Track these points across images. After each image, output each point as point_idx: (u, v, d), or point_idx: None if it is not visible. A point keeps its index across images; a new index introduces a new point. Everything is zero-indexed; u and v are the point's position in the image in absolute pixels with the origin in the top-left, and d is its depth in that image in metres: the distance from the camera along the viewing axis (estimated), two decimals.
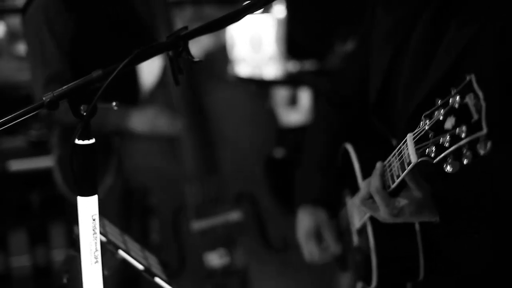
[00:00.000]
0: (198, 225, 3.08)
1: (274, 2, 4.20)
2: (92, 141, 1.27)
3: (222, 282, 3.08)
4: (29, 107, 1.29)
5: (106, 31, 2.94)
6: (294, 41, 4.50)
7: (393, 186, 1.46)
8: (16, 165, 3.71)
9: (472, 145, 1.15)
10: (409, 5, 1.70)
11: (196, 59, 1.35)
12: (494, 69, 1.49)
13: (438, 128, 1.22)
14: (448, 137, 1.19)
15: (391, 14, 1.76)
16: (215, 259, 3.07)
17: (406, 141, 1.36)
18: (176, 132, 3.00)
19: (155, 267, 1.66)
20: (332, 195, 2.04)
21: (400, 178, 1.42)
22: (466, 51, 1.52)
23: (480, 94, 1.15)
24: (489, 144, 1.14)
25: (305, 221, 2.05)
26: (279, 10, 4.51)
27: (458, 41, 1.53)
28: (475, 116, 1.14)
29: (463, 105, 1.17)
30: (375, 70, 1.79)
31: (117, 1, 3.00)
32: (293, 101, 4.50)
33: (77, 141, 1.26)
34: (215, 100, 3.11)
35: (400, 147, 1.40)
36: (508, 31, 1.48)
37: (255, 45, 4.44)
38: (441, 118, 1.21)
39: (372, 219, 1.68)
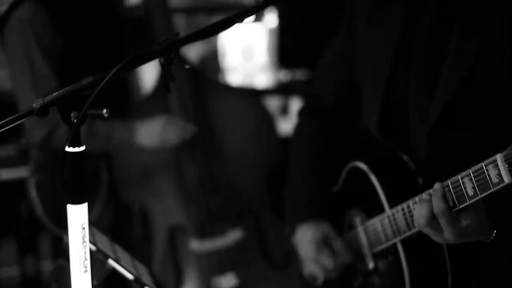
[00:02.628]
0: (200, 246, 2.99)
1: (266, 12, 4.22)
2: (82, 148, 1.26)
3: None
4: (19, 114, 1.28)
5: (97, 45, 2.77)
6: (285, 51, 4.50)
7: (461, 206, 1.45)
8: (6, 174, 3.68)
9: None
10: (398, 16, 1.70)
11: (187, 66, 1.36)
12: (507, 72, 1.50)
13: None
14: None
15: (378, 27, 1.75)
16: (224, 283, 2.99)
17: (494, 161, 1.35)
18: (188, 138, 2.82)
19: (145, 277, 1.64)
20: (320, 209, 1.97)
21: (477, 198, 1.41)
22: (477, 61, 1.53)
23: None
24: None
25: (309, 236, 1.92)
26: (271, 20, 4.51)
27: (468, 52, 1.54)
28: None
29: None
30: (373, 84, 1.77)
31: (106, 12, 2.87)
32: (284, 111, 4.49)
33: (68, 149, 1.25)
34: (215, 110, 3.02)
35: (479, 169, 1.39)
36: None
37: (246, 54, 4.44)
38: None
39: (403, 241, 1.68)
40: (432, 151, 1.65)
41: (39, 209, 2.85)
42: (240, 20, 1.38)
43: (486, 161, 1.37)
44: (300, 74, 4.38)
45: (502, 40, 1.52)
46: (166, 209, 3.01)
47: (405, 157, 1.72)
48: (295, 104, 4.44)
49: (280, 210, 3.03)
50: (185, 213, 2.98)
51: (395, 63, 1.71)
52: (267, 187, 3.06)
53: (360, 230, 1.85)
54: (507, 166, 1.33)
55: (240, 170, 3.02)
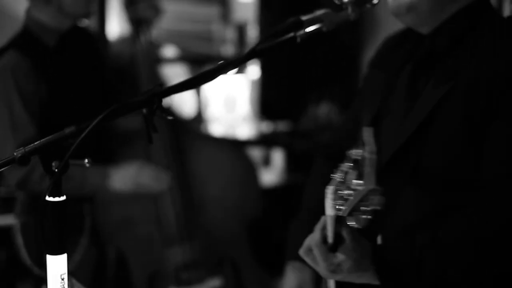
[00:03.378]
0: None
1: (248, 64, 4.26)
2: (63, 198, 1.25)
3: None
4: None
5: (81, 93, 2.77)
6: (267, 102, 4.54)
7: (330, 241, 1.43)
8: None
9: (368, 199, 1.18)
10: (392, 63, 1.74)
11: (170, 117, 1.36)
12: (462, 126, 1.50)
13: (346, 181, 1.23)
14: (350, 191, 1.20)
15: (381, 71, 1.79)
16: None
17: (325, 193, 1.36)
18: (163, 189, 2.85)
19: None
20: None
21: (330, 233, 1.40)
22: (436, 109, 1.54)
23: (372, 147, 1.16)
24: (379, 199, 1.14)
25: (290, 279, 1.93)
26: (253, 71, 4.56)
27: (429, 100, 1.55)
28: (368, 170, 1.15)
29: (362, 158, 1.19)
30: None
31: (91, 61, 2.88)
32: (266, 162, 4.50)
33: (48, 198, 1.24)
34: (195, 160, 3.05)
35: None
36: (477, 88, 1.51)
37: (229, 105, 4.47)
38: (347, 171, 1.22)
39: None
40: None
41: (23, 252, 2.82)
42: (224, 72, 1.39)
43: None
44: (282, 126, 4.41)
45: (462, 97, 1.52)
46: (145, 256, 2.99)
47: None
48: (277, 156, 4.46)
49: (261, 259, 3.04)
50: (163, 260, 2.97)
51: (380, 111, 1.73)
52: (248, 236, 3.07)
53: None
54: (332, 199, 1.31)
55: (220, 220, 3.02)
